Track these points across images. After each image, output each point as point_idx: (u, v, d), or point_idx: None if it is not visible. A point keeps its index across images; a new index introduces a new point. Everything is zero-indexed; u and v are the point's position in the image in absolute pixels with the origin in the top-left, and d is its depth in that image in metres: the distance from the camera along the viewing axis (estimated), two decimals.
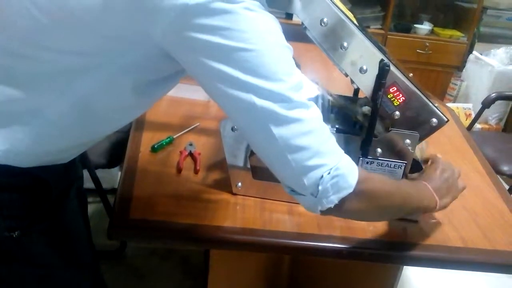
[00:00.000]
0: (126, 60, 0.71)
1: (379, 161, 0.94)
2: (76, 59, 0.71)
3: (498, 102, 2.45)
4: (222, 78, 0.65)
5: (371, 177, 0.77)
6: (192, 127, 1.28)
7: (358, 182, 0.72)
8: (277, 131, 0.67)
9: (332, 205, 0.71)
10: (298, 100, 0.67)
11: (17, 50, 0.71)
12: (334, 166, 0.69)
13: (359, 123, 1.07)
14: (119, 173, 1.09)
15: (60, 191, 0.86)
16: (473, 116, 2.81)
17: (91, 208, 1.09)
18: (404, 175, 0.96)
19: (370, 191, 0.76)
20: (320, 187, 0.69)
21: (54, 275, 0.89)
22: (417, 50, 3.13)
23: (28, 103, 0.73)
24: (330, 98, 1.12)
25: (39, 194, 0.81)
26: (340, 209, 0.72)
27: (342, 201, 0.71)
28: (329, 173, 0.69)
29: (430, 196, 0.86)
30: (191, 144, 1.17)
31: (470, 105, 3.15)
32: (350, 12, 0.93)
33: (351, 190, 0.71)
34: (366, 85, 0.90)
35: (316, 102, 1.10)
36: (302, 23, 0.90)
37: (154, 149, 1.15)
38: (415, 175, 0.97)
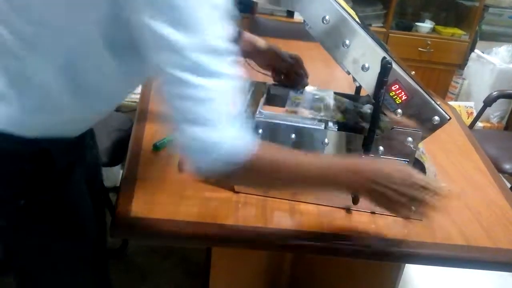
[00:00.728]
0: (95, 17, 0.72)
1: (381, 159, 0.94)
2: (47, 27, 0.73)
3: (500, 101, 2.44)
4: (143, 29, 0.66)
5: (261, 158, 0.75)
6: None
7: (245, 160, 0.71)
8: (171, 88, 0.67)
9: (212, 174, 0.73)
10: (206, 67, 0.66)
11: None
12: (219, 141, 0.69)
13: (361, 121, 1.06)
14: (121, 172, 1.09)
15: (65, 165, 0.87)
16: (475, 114, 2.81)
17: None
18: None
19: (254, 172, 0.75)
20: (201, 157, 0.70)
21: (55, 247, 0.91)
22: (419, 49, 3.12)
23: (19, 69, 0.76)
24: (334, 101, 1.12)
25: (42, 164, 0.83)
26: (222, 178, 0.75)
27: (224, 172, 0.72)
28: (213, 146, 0.69)
29: (348, 182, 0.80)
30: None
31: (472, 104, 3.14)
32: (352, 10, 0.93)
33: (232, 166, 0.71)
34: (368, 83, 0.90)
35: (322, 102, 1.10)
36: (304, 21, 0.90)
37: (156, 147, 1.15)
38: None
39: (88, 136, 0.93)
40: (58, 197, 0.87)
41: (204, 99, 0.67)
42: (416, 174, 0.80)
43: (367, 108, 1.12)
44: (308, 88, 1.17)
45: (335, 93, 1.16)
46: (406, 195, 0.79)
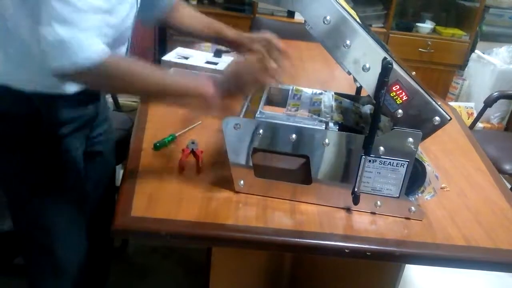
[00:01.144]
0: None
1: (381, 159, 0.94)
2: None
3: (500, 101, 2.45)
4: None
5: (114, 64, 0.85)
6: (194, 125, 1.28)
7: (97, 63, 0.80)
8: None
9: (63, 70, 0.80)
10: None
11: None
12: (77, 40, 0.78)
13: (362, 122, 1.06)
14: (121, 171, 1.09)
15: (55, 124, 0.97)
16: (475, 115, 2.81)
17: None
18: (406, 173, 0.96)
19: (106, 75, 0.84)
20: (59, 54, 0.79)
21: (50, 199, 1.03)
22: (419, 49, 3.13)
23: (1, 22, 0.86)
24: (334, 103, 1.12)
25: (32, 118, 0.94)
26: (74, 76, 0.82)
27: (76, 70, 0.80)
28: (70, 44, 0.77)
29: (194, 87, 0.92)
30: (193, 142, 1.17)
31: (472, 104, 3.15)
32: (352, 10, 0.93)
33: (84, 65, 0.79)
34: (369, 83, 0.90)
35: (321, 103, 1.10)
36: (305, 21, 0.90)
37: (156, 147, 1.15)
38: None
39: (95, 105, 1.06)
40: (49, 157, 0.98)
41: (76, 6, 0.77)
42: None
43: (368, 109, 1.12)
44: (307, 90, 1.17)
45: (335, 93, 1.16)
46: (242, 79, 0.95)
